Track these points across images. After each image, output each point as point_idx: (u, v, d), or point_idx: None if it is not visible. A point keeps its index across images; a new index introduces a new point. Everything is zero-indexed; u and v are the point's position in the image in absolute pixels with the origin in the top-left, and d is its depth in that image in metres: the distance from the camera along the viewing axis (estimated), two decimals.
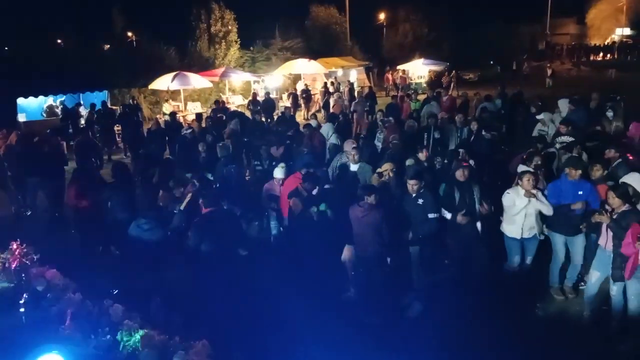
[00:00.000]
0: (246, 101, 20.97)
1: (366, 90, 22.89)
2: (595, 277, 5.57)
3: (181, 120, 17.31)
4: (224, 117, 14.36)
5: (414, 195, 6.08)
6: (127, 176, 8.18)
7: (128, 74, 22.45)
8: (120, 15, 28.04)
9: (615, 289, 5.31)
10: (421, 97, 18.04)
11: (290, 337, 5.56)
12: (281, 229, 7.76)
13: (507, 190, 6.26)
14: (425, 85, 28.98)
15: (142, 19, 28.95)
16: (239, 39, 28.16)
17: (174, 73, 20.07)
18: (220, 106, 16.96)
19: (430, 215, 6.08)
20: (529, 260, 6.35)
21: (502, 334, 5.58)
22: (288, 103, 21.19)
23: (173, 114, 14.98)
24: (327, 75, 26.21)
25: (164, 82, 19.79)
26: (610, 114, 10.33)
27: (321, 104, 20.90)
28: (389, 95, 26.80)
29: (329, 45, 32.75)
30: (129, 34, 31.23)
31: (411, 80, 29.18)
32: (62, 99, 18.76)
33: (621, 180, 5.61)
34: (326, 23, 34.97)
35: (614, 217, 5.10)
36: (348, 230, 6.15)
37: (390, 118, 11.57)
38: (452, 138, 10.60)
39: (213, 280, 5.44)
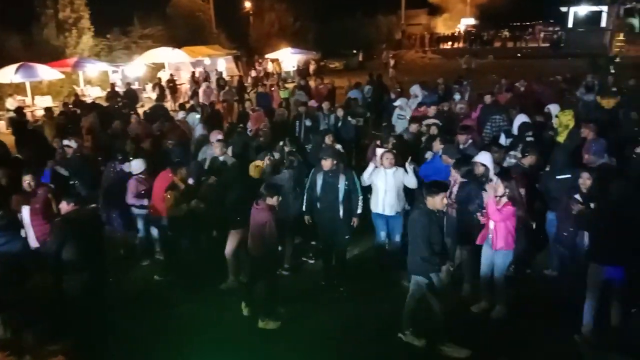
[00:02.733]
0: (104, 93, 19.53)
1: (236, 79, 22.58)
2: (449, 243, 6.12)
3: (29, 116, 15.63)
4: (79, 111, 13.24)
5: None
6: None
7: None
8: None
9: (464, 254, 5.90)
10: (290, 86, 18.29)
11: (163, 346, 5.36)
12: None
13: (367, 169, 6.62)
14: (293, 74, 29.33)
15: None
16: (92, 26, 26.05)
17: (18, 64, 18.10)
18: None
19: None
20: (397, 237, 6.69)
21: (366, 303, 6.00)
22: (153, 94, 20.15)
23: (19, 110, 13.43)
24: (194, 65, 25.39)
25: (5, 75, 17.87)
26: (457, 97, 11.36)
27: (189, 94, 20.19)
28: (259, 84, 26.72)
29: (194, 34, 31.63)
30: None
31: (272, 71, 29.01)
32: None
33: (474, 159, 6.23)
34: (189, 10, 33.76)
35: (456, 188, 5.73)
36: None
37: (259, 107, 11.53)
38: (320, 125, 10.89)
39: (75, 288, 4.99)
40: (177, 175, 6.48)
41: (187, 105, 12.92)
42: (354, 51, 36.71)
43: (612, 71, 16.55)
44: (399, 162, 6.50)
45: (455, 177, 6.03)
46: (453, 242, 6.15)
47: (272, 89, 17.21)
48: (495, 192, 5.39)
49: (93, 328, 5.00)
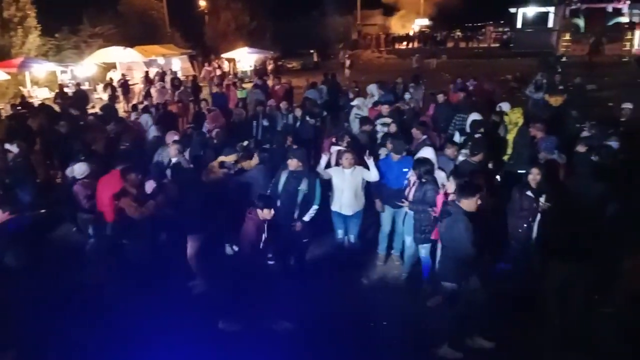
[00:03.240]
0: (53, 94, 18.82)
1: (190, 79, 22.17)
2: (409, 240, 6.24)
3: None
4: (27, 113, 12.69)
5: None
6: None
7: None
8: None
9: (423, 252, 6.00)
10: (247, 86, 18.13)
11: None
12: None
13: (320, 163, 6.65)
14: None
15: None
16: (39, 25, 25.04)
17: None
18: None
19: None
20: (352, 237, 6.75)
21: (327, 302, 5.99)
22: (104, 94, 19.57)
23: None
24: (147, 64, 24.82)
25: None
26: (407, 96, 11.56)
27: (143, 95, 19.71)
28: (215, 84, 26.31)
29: (147, 33, 30.94)
30: None
31: (227, 71, 28.42)
32: None
33: (417, 155, 6.34)
34: (142, 9, 32.97)
35: (413, 190, 5.80)
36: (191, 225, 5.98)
37: (215, 107, 11.40)
38: (278, 125, 10.85)
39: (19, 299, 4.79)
40: (127, 180, 6.11)
41: (140, 106, 12.61)
42: (311, 51, 36.77)
43: (559, 70, 17.19)
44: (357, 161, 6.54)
45: (413, 179, 6.08)
46: (412, 240, 6.24)
47: (229, 88, 17.00)
48: (449, 189, 5.51)
49: (38, 336, 4.82)
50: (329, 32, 44.54)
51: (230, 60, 30.28)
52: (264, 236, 5.36)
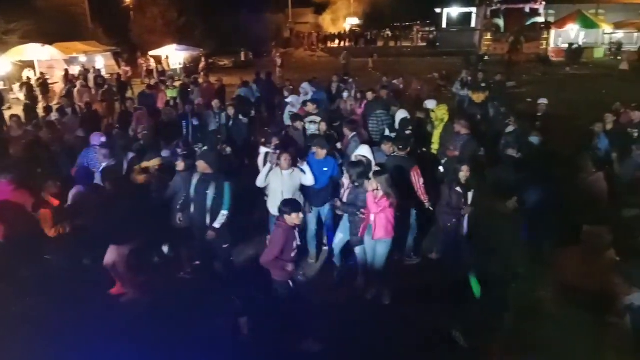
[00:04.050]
0: None
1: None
2: (339, 238, 6.33)
3: None
4: None
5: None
6: None
7: None
8: None
9: (357, 250, 6.07)
10: (177, 84, 17.64)
11: None
12: None
13: (263, 171, 6.55)
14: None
15: None
16: None
17: None
18: None
19: None
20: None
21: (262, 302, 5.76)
22: (21, 94, 18.35)
23: None
24: (69, 62, 23.55)
25: None
26: (345, 94, 11.71)
27: (63, 94, 18.65)
28: (144, 82, 25.37)
29: (68, 29, 29.27)
30: None
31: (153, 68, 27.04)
32: None
33: (354, 154, 6.40)
34: (61, 4, 31.16)
35: (347, 193, 5.86)
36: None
37: (141, 107, 11.01)
38: (211, 124, 10.62)
39: None
40: (45, 190, 5.70)
41: (55, 107, 11.90)
42: (242, 49, 36.27)
43: (482, 68, 18.02)
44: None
45: (347, 182, 6.07)
46: (344, 237, 6.28)
47: (157, 87, 16.43)
48: (370, 187, 5.59)
49: None
50: (261, 30, 44.14)
51: (156, 57, 29.19)
52: (294, 244, 5.01)
